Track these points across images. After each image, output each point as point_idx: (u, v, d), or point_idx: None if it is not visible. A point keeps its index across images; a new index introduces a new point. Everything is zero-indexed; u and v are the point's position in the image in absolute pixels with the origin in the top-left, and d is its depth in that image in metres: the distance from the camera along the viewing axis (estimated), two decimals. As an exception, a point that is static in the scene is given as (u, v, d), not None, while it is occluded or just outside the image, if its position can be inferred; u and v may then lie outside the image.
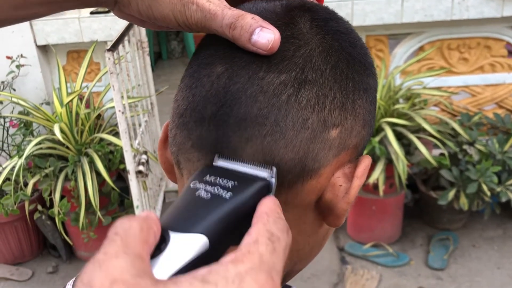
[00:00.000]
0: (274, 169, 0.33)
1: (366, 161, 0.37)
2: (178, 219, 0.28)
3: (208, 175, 0.32)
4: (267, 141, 0.33)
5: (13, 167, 2.02)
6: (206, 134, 0.35)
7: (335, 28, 0.37)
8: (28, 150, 1.98)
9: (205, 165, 0.33)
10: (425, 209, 2.53)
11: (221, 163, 0.34)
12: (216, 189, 0.30)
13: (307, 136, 0.34)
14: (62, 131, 2.11)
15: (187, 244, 0.27)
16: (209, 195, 0.30)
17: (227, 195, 0.30)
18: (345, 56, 0.36)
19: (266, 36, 0.33)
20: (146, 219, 0.26)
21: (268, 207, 0.29)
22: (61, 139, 1.90)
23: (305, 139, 0.34)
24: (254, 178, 0.32)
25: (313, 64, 0.34)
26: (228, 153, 0.34)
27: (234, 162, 0.33)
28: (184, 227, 0.27)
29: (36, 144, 2.04)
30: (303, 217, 0.38)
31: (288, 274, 0.41)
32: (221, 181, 0.31)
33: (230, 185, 0.31)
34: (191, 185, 0.31)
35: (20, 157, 2.00)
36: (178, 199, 0.31)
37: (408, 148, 2.19)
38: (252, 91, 0.34)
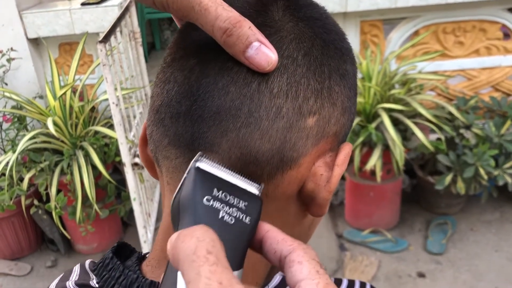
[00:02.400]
0: (262, 185, 0.32)
1: (346, 148, 0.37)
2: None
3: (215, 189, 0.30)
4: (242, 133, 0.33)
5: (8, 162, 2.00)
6: (182, 131, 0.34)
7: (308, 15, 0.36)
8: (22, 144, 1.96)
9: (194, 168, 0.31)
10: (423, 194, 2.53)
11: (207, 166, 0.31)
12: (235, 212, 0.30)
13: (282, 126, 0.33)
14: (56, 124, 2.09)
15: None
16: (233, 220, 0.29)
17: (247, 219, 0.30)
18: (319, 42, 0.35)
19: (266, 58, 0.32)
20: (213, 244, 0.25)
21: (283, 237, 0.29)
22: (54, 133, 1.89)
23: (281, 129, 0.33)
24: (252, 195, 0.31)
25: (283, 51, 0.33)
26: (205, 149, 0.33)
27: (218, 167, 0.31)
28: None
29: (30, 139, 2.02)
30: (285, 208, 0.37)
31: (273, 269, 0.41)
32: (233, 199, 0.30)
33: (243, 206, 0.30)
34: (206, 202, 0.29)
35: (14, 152, 1.98)
36: (202, 218, 0.29)
37: (405, 134, 2.18)
38: (224, 83, 0.33)
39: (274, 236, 0.29)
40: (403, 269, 2.21)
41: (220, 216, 0.29)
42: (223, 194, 0.30)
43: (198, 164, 0.31)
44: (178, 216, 0.30)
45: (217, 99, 0.33)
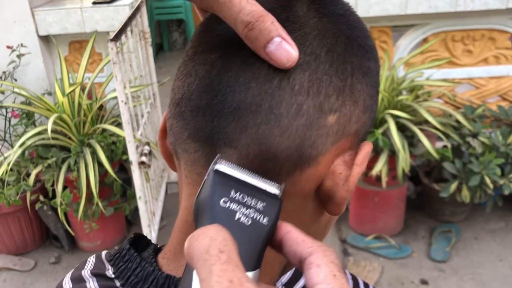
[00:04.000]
0: (283, 184, 0.32)
1: (366, 147, 0.36)
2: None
3: (233, 191, 0.30)
4: (262, 129, 0.33)
5: (13, 157, 2.01)
6: (202, 125, 0.34)
7: (332, 11, 0.36)
8: (24, 139, 1.98)
9: (213, 171, 0.31)
10: (428, 201, 2.53)
11: (225, 168, 0.32)
12: (252, 213, 0.30)
13: (302, 123, 0.33)
14: (64, 121, 2.10)
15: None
16: (249, 220, 0.29)
17: (264, 220, 0.30)
18: (342, 39, 0.35)
19: (286, 54, 0.32)
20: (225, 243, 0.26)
21: (303, 238, 0.29)
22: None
23: (301, 126, 0.33)
24: (272, 196, 0.31)
25: (306, 48, 0.33)
26: (224, 144, 0.33)
27: (237, 168, 0.32)
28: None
29: (36, 134, 2.04)
30: (303, 206, 0.37)
31: (288, 264, 0.40)
32: (250, 200, 0.30)
33: (261, 207, 0.30)
34: (223, 203, 0.30)
35: (20, 146, 2.00)
36: (219, 219, 0.29)
37: (412, 140, 2.18)
38: (245, 78, 0.33)
39: (294, 237, 0.29)
40: (406, 275, 2.21)
41: (236, 217, 0.29)
42: (241, 195, 0.30)
43: (217, 167, 0.31)
44: (198, 217, 0.30)
45: (237, 95, 0.33)
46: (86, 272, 0.42)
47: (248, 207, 0.30)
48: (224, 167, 0.31)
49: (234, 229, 0.28)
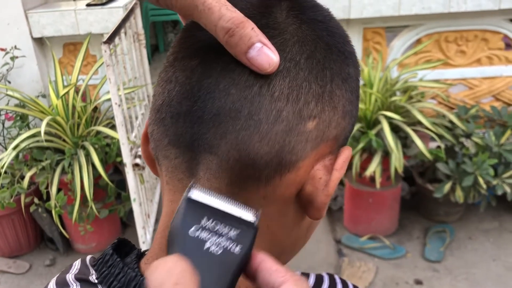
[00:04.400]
0: (260, 211, 0.31)
1: (346, 152, 0.36)
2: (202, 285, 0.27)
3: (205, 219, 0.29)
4: (241, 135, 0.33)
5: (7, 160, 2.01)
6: (182, 131, 0.34)
7: (312, 17, 0.36)
8: (18, 141, 1.98)
9: (185, 199, 0.30)
10: (422, 201, 2.53)
11: (199, 195, 0.30)
12: (224, 241, 0.29)
13: (282, 129, 0.33)
14: (58, 123, 2.10)
15: None
16: (220, 250, 0.28)
17: (237, 249, 0.29)
18: (322, 46, 0.35)
19: (267, 59, 0.32)
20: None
21: (276, 268, 0.29)
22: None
23: (280, 132, 0.33)
24: (247, 223, 0.30)
25: (286, 54, 0.33)
26: (204, 150, 0.34)
27: (212, 194, 0.30)
28: None
29: (30, 137, 2.04)
30: (283, 211, 0.37)
31: None
32: (223, 228, 0.29)
33: (234, 235, 0.29)
34: (191, 233, 0.29)
35: (13, 149, 2.00)
36: (186, 250, 0.28)
37: (405, 141, 2.19)
38: (225, 84, 0.33)
39: (268, 267, 0.28)
40: (400, 276, 2.21)
41: (206, 247, 0.28)
42: (213, 223, 0.29)
43: (190, 194, 0.30)
44: (168, 246, 0.29)
45: (217, 101, 0.33)
46: (70, 277, 0.42)
47: (220, 235, 0.29)
48: (198, 194, 0.30)
49: (203, 259, 0.28)
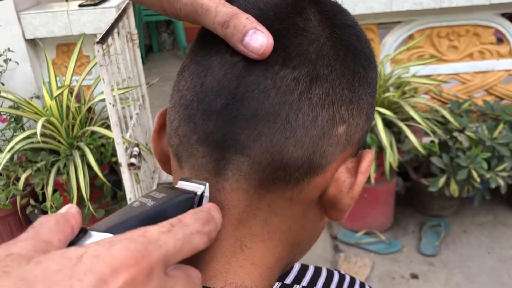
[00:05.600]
0: (207, 184, 0.34)
1: (369, 156, 0.37)
2: (103, 222, 0.30)
3: (154, 191, 0.33)
4: (276, 139, 0.33)
5: (1, 162, 2.01)
6: (213, 130, 0.34)
7: (343, 22, 0.36)
8: (13, 143, 1.98)
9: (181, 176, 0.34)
10: (417, 196, 2.55)
11: (181, 183, 0.35)
12: (146, 200, 0.32)
13: (317, 133, 0.33)
14: (52, 124, 2.10)
15: (96, 239, 0.28)
16: (139, 203, 0.32)
17: (151, 203, 0.32)
18: (352, 51, 0.35)
19: (259, 39, 0.32)
20: (64, 214, 0.28)
21: (186, 216, 0.30)
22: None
23: (315, 137, 0.33)
24: (187, 192, 0.33)
25: (324, 60, 0.34)
26: (236, 151, 0.33)
27: (191, 181, 0.34)
28: (102, 228, 0.30)
29: (25, 138, 2.04)
30: (306, 212, 0.38)
31: (286, 265, 0.41)
32: (156, 194, 0.33)
33: (159, 197, 0.32)
34: (137, 198, 0.33)
35: (8, 151, 2.00)
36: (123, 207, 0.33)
37: (399, 136, 2.20)
38: (266, 85, 0.33)
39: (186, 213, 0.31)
40: (396, 270, 2.23)
41: (130, 204, 0.32)
42: (155, 192, 0.33)
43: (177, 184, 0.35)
44: None
45: (255, 102, 0.33)
46: None
47: (148, 197, 0.33)
48: (182, 182, 0.35)
49: (122, 211, 0.32)
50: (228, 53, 0.34)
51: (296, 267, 0.51)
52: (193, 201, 0.33)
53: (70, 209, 0.29)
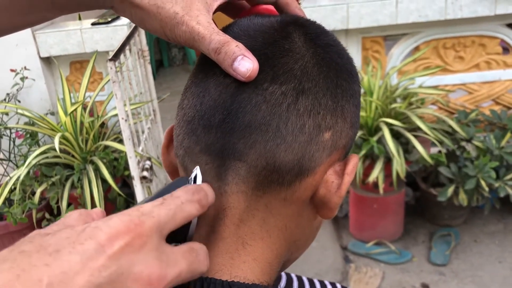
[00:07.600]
0: (197, 167, 0.39)
1: (354, 159, 0.42)
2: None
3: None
4: (269, 145, 0.38)
5: (19, 176, 2.07)
6: (214, 141, 0.39)
7: (325, 41, 0.41)
8: (31, 159, 2.03)
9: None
10: (426, 206, 2.56)
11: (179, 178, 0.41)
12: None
13: (304, 140, 0.38)
14: (67, 140, 2.16)
15: None
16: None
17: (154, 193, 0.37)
18: (334, 67, 0.40)
19: (245, 65, 0.37)
20: (87, 210, 0.33)
21: (177, 191, 0.35)
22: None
23: (303, 142, 0.38)
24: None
25: (308, 75, 0.39)
26: (234, 158, 0.38)
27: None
28: None
29: (41, 154, 2.09)
30: (300, 212, 0.42)
31: (285, 262, 0.45)
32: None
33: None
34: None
35: (27, 166, 2.05)
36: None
37: (407, 146, 2.22)
38: (257, 101, 0.38)
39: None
40: (407, 280, 2.24)
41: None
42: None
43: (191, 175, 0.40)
44: None
45: (249, 115, 0.38)
46: None
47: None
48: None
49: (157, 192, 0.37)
50: (222, 75, 0.40)
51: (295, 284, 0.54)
52: (187, 182, 0.38)
53: (96, 210, 0.34)
